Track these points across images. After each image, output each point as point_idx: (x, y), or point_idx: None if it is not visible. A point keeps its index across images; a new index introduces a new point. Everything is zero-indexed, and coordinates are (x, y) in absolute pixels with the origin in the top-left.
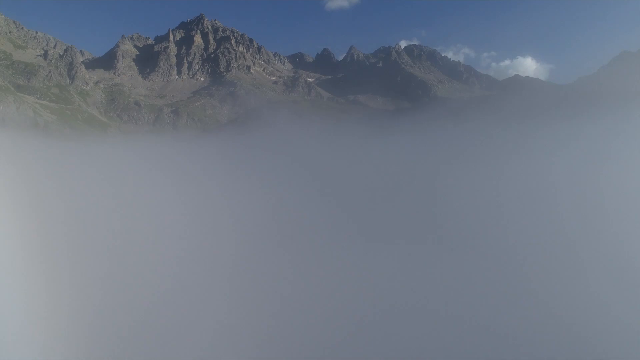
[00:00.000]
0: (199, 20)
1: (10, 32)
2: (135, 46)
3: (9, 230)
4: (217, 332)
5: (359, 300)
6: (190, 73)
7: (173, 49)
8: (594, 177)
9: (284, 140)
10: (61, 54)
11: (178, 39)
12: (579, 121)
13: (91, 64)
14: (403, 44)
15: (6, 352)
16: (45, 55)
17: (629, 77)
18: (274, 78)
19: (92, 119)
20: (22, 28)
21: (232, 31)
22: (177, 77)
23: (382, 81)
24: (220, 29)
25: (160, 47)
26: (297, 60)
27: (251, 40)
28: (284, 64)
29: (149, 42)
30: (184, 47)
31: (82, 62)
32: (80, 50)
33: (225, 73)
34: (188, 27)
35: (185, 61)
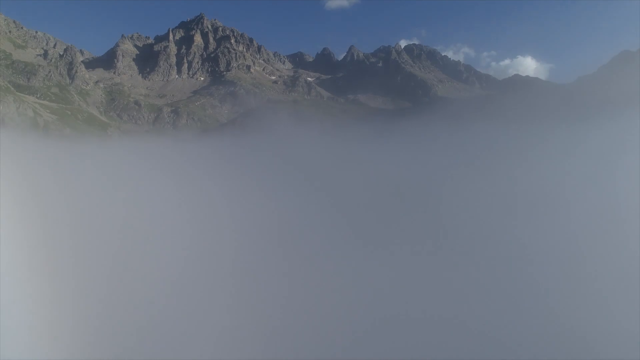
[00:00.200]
0: (198, 19)
1: (10, 31)
2: (135, 46)
3: (8, 231)
4: (217, 333)
5: (358, 301)
6: (190, 73)
7: (173, 49)
8: (595, 179)
9: (283, 140)
10: (61, 53)
11: (178, 38)
12: (579, 121)
13: (91, 64)
14: (403, 43)
15: (6, 352)
16: (45, 54)
17: (629, 77)
18: (273, 77)
19: (92, 119)
20: (22, 27)
21: (232, 31)
22: (177, 76)
23: (382, 81)
24: (220, 29)
25: (160, 47)
26: (297, 59)
27: (251, 40)
28: (283, 63)
29: (149, 41)
30: (183, 47)
31: (82, 61)
32: (80, 50)
33: (225, 72)
34: (188, 27)
35: (185, 61)
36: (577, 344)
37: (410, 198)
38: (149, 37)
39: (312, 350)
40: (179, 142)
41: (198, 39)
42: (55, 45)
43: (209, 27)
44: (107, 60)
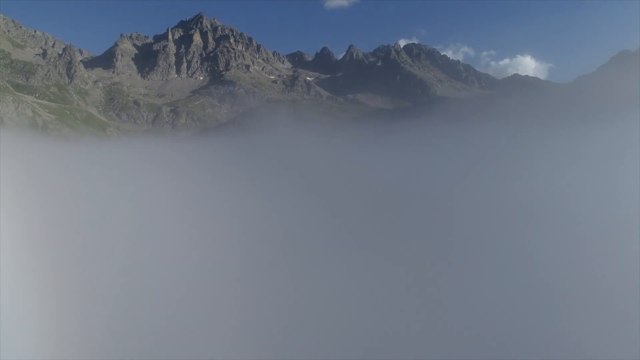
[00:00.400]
0: (198, 19)
1: (8, 30)
2: (134, 45)
3: (8, 231)
4: (216, 333)
5: (357, 302)
6: (189, 72)
7: (172, 48)
8: (596, 180)
9: (283, 140)
10: (60, 52)
11: (177, 37)
12: (578, 121)
13: (90, 63)
14: (402, 42)
15: (6, 352)
16: (44, 54)
17: (628, 77)
18: (273, 77)
19: (91, 118)
20: (21, 27)
21: (231, 30)
22: (176, 76)
23: (381, 80)
24: (219, 28)
25: (159, 46)
26: (296, 59)
27: (250, 39)
28: (283, 62)
29: (148, 41)
30: (183, 46)
31: (80, 61)
32: (79, 49)
33: (224, 72)
34: (187, 26)
35: (184, 60)
36: (577, 344)
37: (410, 200)
38: (148, 37)
39: (311, 351)
40: (178, 141)
41: (197, 38)
42: (54, 44)
43: (208, 26)
44: (106, 60)
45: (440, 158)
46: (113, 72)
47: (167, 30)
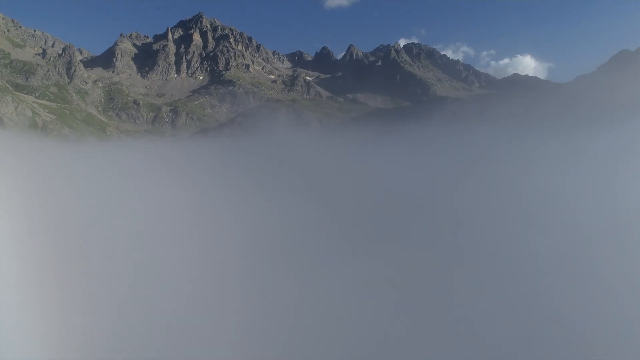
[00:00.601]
0: (197, 18)
1: (8, 30)
2: (134, 45)
3: (8, 231)
4: (215, 334)
5: (357, 303)
6: (189, 72)
7: (172, 48)
8: (597, 182)
9: (283, 140)
10: (59, 52)
11: (177, 37)
12: (578, 121)
13: (90, 63)
14: (402, 42)
15: (6, 352)
16: (44, 54)
17: (628, 76)
18: (272, 77)
19: (91, 118)
20: (20, 26)
21: (230, 30)
22: (175, 75)
23: (381, 80)
24: (219, 28)
25: (159, 46)
26: (296, 58)
27: (250, 39)
28: (282, 62)
29: (148, 40)
30: (182, 46)
31: (80, 60)
32: (79, 49)
33: (224, 72)
34: (187, 26)
35: (184, 60)
36: (577, 344)
37: (409, 201)
38: (147, 36)
39: (311, 351)
40: (178, 141)
41: (197, 38)
42: (53, 44)
43: (208, 26)
44: (106, 59)
45: (440, 159)
46: (113, 71)
47: (167, 29)
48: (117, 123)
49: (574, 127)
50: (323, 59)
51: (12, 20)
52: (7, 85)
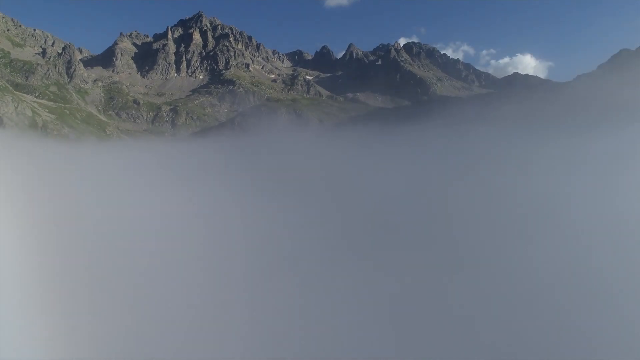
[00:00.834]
0: (197, 17)
1: (8, 29)
2: (134, 44)
3: (8, 231)
4: (214, 334)
5: (357, 304)
6: (189, 71)
7: (172, 47)
8: (598, 184)
9: (282, 140)
10: (59, 51)
11: (177, 36)
12: (578, 122)
13: (89, 62)
14: (402, 41)
15: (6, 352)
16: (44, 53)
17: (628, 76)
18: (272, 76)
19: (91, 118)
20: (20, 26)
21: (230, 29)
22: (175, 75)
23: (381, 79)
24: (219, 27)
25: (159, 45)
26: (296, 57)
27: (250, 38)
28: (282, 61)
29: (148, 39)
30: (182, 45)
31: (80, 60)
32: (79, 48)
33: (224, 71)
34: (187, 25)
35: (184, 59)
36: (576, 344)
37: (408, 202)
38: (147, 35)
39: (311, 352)
40: (178, 141)
41: (197, 37)
42: (53, 43)
43: (208, 25)
44: (106, 59)
45: (440, 159)
46: (113, 71)
47: (167, 29)
48: (117, 122)
49: (575, 129)
50: (323, 58)
51: (12, 20)
52: (7, 84)
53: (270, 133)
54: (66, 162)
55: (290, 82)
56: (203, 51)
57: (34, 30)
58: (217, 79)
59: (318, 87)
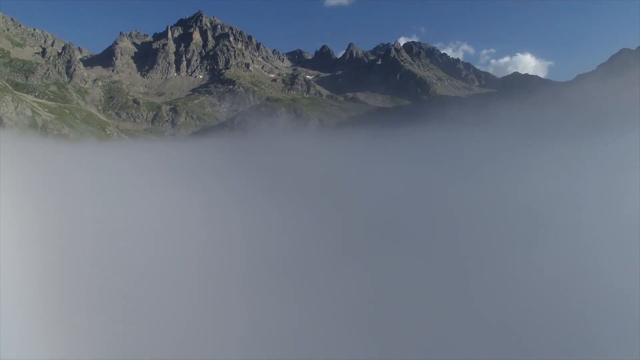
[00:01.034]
0: (197, 17)
1: (8, 29)
2: (134, 43)
3: (8, 231)
4: (213, 335)
5: (356, 304)
6: (189, 70)
7: (172, 46)
8: (597, 184)
9: (282, 139)
10: (59, 51)
11: (177, 36)
12: (579, 124)
13: (89, 62)
14: (402, 41)
15: (6, 352)
16: (43, 52)
17: (628, 75)
18: (272, 75)
19: (91, 118)
20: (20, 25)
21: (230, 28)
22: (175, 74)
23: (381, 79)
24: (219, 26)
25: (159, 45)
26: (295, 57)
27: (250, 38)
28: (282, 61)
29: (148, 39)
30: (182, 45)
31: (80, 59)
32: (79, 48)
33: (224, 70)
34: (187, 24)
35: (184, 58)
36: (576, 344)
37: (407, 203)
38: (147, 35)
39: (310, 353)
40: (178, 141)
41: (197, 36)
42: (53, 43)
43: (208, 24)
44: (106, 58)
45: (440, 160)
46: (112, 70)
47: (167, 28)
48: (117, 122)
49: (575, 129)
50: (323, 58)
51: (12, 19)
52: (7, 84)
53: (270, 133)
54: (66, 162)
55: (290, 81)
56: (203, 51)
57: (34, 29)
58: (217, 79)
59: (318, 87)
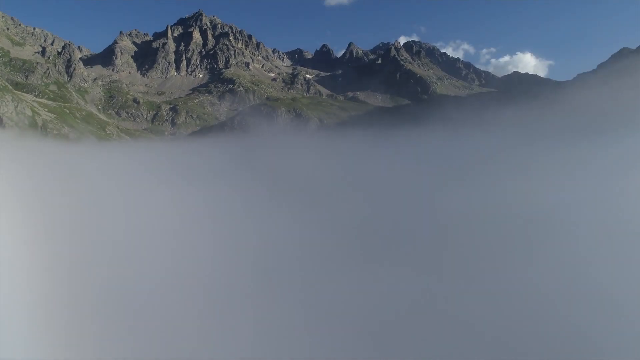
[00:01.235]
0: (197, 16)
1: (7, 28)
2: (134, 42)
3: (8, 231)
4: (213, 335)
5: (354, 306)
6: (189, 70)
7: (171, 46)
8: (598, 187)
9: (282, 139)
10: (59, 50)
11: (176, 35)
12: (579, 122)
13: (89, 61)
14: (402, 40)
15: (6, 352)
16: (43, 52)
17: (629, 75)
18: (272, 75)
19: (91, 117)
20: (20, 24)
21: (230, 27)
22: (175, 73)
23: (381, 78)
24: (219, 25)
25: (159, 44)
26: (295, 56)
27: (250, 37)
28: (282, 60)
29: (148, 38)
30: (182, 44)
31: (80, 58)
32: (78, 47)
33: (223, 70)
34: (186, 24)
35: (184, 58)
36: (574, 341)
37: (406, 204)
38: (147, 34)
39: (311, 353)
40: (178, 140)
41: (197, 35)
42: (53, 42)
43: (208, 23)
44: (106, 57)
45: (440, 160)
46: (112, 70)
47: (167, 27)
48: (116, 122)
49: (575, 130)
50: (323, 57)
51: (12, 18)
52: (7, 84)
53: (270, 132)
54: (66, 161)
55: (290, 81)
56: (203, 50)
57: (34, 28)
58: (217, 78)
59: (318, 86)
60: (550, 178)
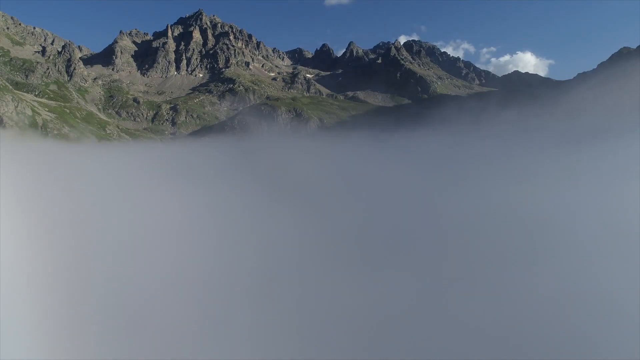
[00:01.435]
0: (197, 15)
1: (7, 28)
2: (134, 42)
3: (8, 231)
4: (213, 336)
5: (353, 306)
6: (189, 69)
7: (172, 45)
8: (598, 189)
9: (282, 138)
10: (59, 50)
11: (177, 34)
12: (579, 123)
13: (89, 60)
14: (402, 39)
15: (6, 352)
16: (43, 51)
17: (629, 74)
18: (273, 74)
19: (91, 117)
20: (20, 24)
21: (230, 27)
22: (175, 73)
23: (381, 77)
24: (219, 25)
25: (159, 43)
26: (296, 55)
27: (250, 36)
28: (282, 59)
29: (148, 38)
30: (182, 43)
31: (80, 58)
32: (79, 46)
33: (224, 69)
34: (187, 23)
35: (184, 57)
36: (574, 341)
37: (406, 205)
38: (147, 34)
39: (311, 353)
40: (178, 140)
41: (197, 35)
42: (53, 41)
43: (208, 23)
44: (106, 57)
45: (440, 160)
46: (112, 69)
47: (167, 27)
48: (117, 121)
49: (575, 131)
50: (323, 57)
51: (12, 18)
52: (7, 83)
53: (270, 132)
54: (66, 161)
55: (290, 80)
56: (203, 49)
57: (34, 28)
58: (217, 77)
59: (318, 86)
60: (552, 180)
